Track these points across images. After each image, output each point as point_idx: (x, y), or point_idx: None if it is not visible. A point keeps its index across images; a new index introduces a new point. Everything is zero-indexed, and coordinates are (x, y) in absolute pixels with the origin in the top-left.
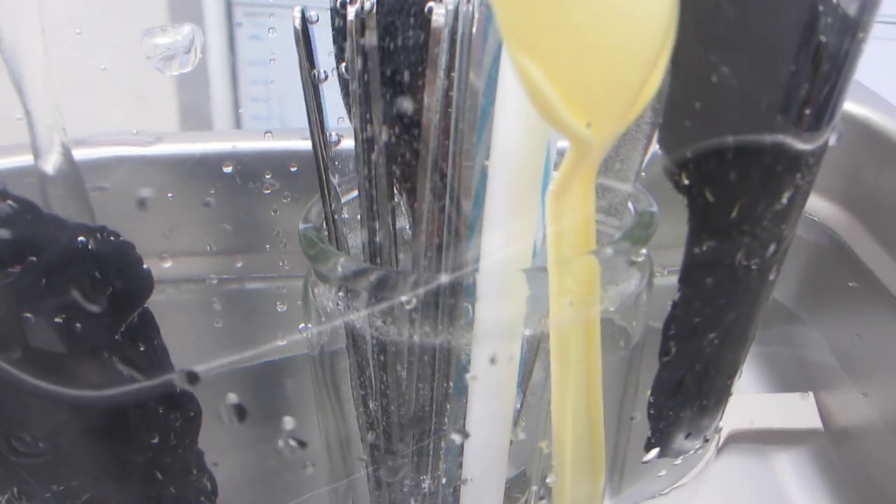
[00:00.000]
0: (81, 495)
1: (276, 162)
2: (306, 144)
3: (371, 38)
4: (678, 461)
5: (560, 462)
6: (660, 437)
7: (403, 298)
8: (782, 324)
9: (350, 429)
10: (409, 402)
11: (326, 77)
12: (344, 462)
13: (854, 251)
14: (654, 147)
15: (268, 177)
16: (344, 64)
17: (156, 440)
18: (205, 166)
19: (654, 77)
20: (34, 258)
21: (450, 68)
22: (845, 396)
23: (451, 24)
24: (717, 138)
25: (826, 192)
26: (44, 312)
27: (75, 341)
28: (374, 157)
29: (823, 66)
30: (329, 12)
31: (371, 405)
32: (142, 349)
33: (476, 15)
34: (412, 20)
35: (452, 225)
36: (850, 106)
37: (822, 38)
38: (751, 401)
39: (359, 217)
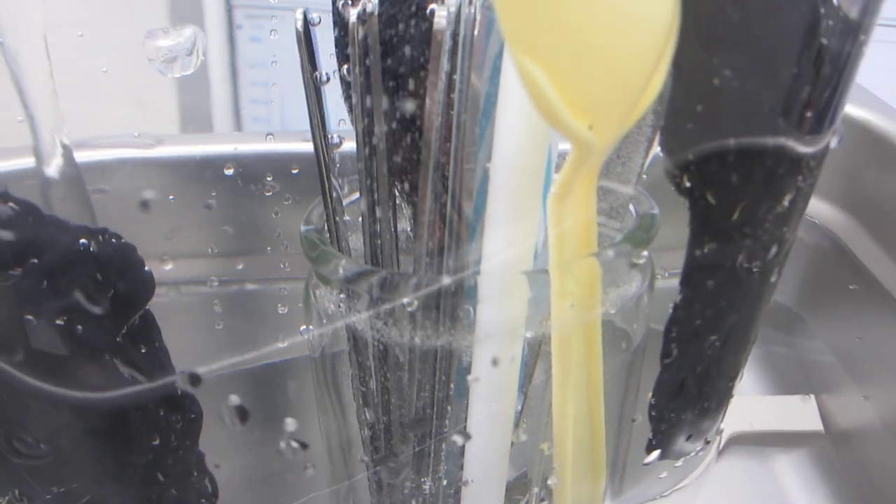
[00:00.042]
0: (82, 497)
1: (278, 164)
2: (308, 146)
3: (373, 41)
4: (679, 463)
5: (561, 464)
6: (661, 438)
7: (405, 300)
8: (783, 326)
9: (351, 430)
10: (410, 404)
11: (328, 79)
12: (345, 464)
13: (855, 254)
14: (656, 149)
15: (269, 179)
16: (346, 66)
17: (157, 442)
18: (206, 168)
19: (656, 79)
20: (35, 260)
21: (451, 70)
22: (846, 399)
23: (452, 26)
24: (718, 141)
25: (827, 194)
26: (45, 314)
27: (77, 343)
28: (375, 159)
29: (825, 68)
30: (331, 14)
31: (372, 407)
32: (143, 351)
33: (478, 17)
34: (414, 22)
35: (454, 227)
36: (851, 109)
37: (824, 41)
38: (752, 403)
39: (360, 219)
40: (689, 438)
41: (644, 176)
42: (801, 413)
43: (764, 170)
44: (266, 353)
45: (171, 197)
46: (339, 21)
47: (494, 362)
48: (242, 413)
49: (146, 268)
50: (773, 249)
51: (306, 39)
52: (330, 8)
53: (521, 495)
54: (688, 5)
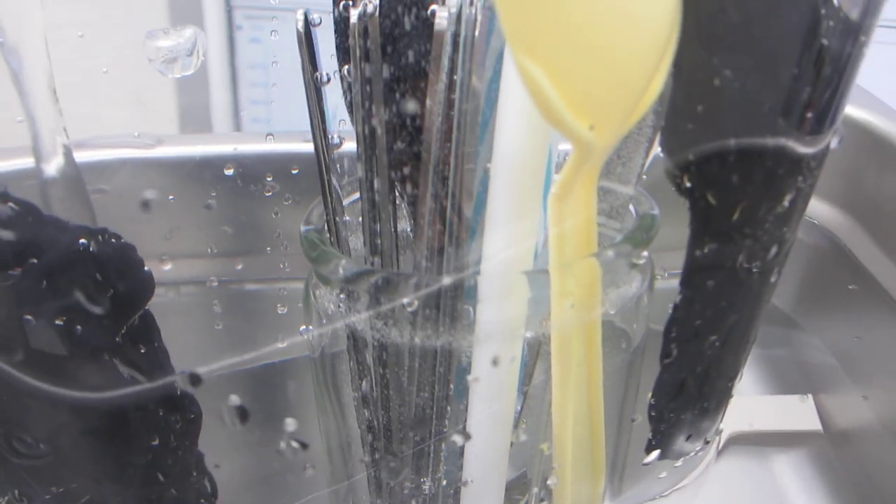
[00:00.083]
0: (82, 497)
1: (278, 164)
2: (308, 147)
3: (374, 41)
4: (679, 463)
5: (561, 464)
6: (660, 439)
7: (405, 300)
8: (782, 326)
9: (351, 431)
10: (409, 404)
11: (329, 79)
12: (345, 464)
13: (854, 254)
14: (656, 150)
15: (269, 179)
16: (346, 66)
17: (156, 442)
18: (206, 169)
19: (657, 80)
20: (35, 260)
21: (452, 71)
22: (845, 399)
23: (453, 27)
24: (718, 141)
25: (827, 195)
26: (45, 314)
27: (76, 343)
28: (375, 159)
29: (825, 69)
30: (331, 15)
31: (372, 407)
32: (142, 351)
33: (479, 17)
34: (415, 23)
35: (454, 227)
36: (852, 110)
37: (824, 42)
38: (751, 403)
39: (360, 219)
40: (688, 438)
41: (644, 176)
42: (800, 413)
43: (764, 170)
44: (266, 354)
45: (170, 197)
46: (340, 21)
47: (494, 362)
48: (242, 413)
49: (146, 268)
50: (773, 250)
51: (307, 40)
52: (330, 8)
53: (520, 495)
54: (689, 6)
